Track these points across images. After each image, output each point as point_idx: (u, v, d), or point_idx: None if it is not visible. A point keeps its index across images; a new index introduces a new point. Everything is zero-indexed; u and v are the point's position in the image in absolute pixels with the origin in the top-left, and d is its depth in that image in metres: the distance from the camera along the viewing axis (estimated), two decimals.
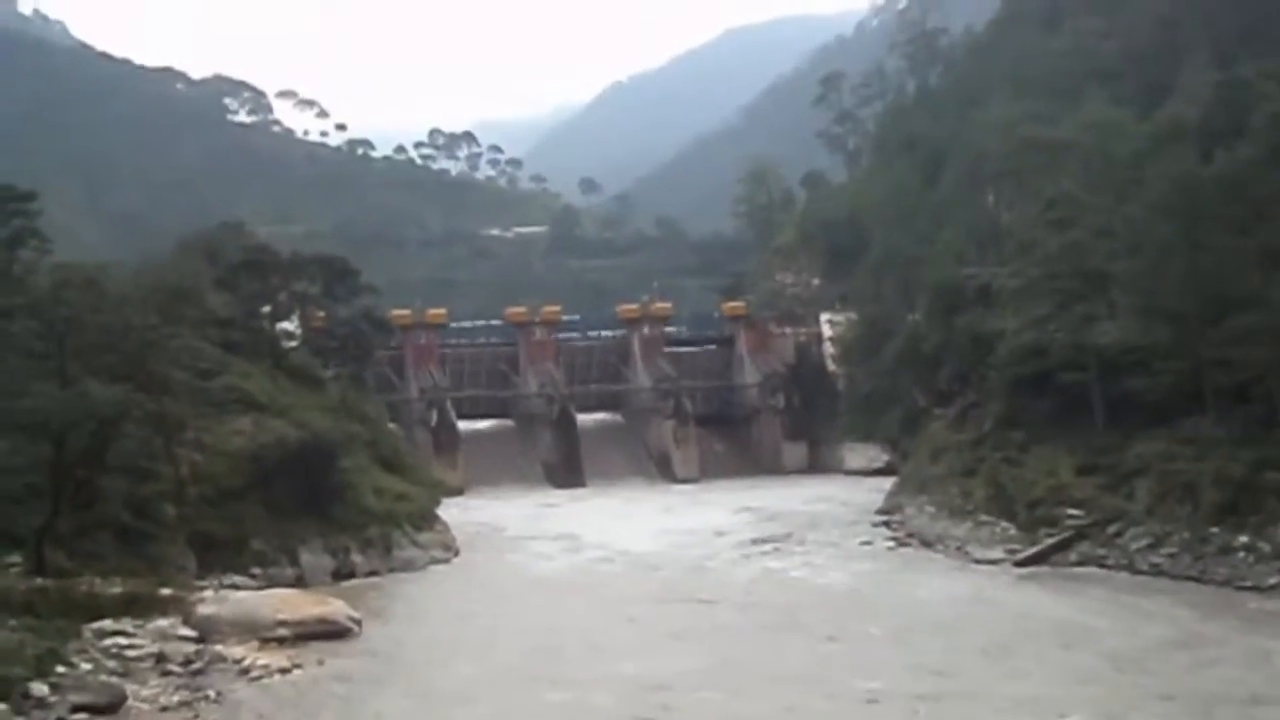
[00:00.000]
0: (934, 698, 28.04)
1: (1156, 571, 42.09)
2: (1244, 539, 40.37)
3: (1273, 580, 38.10)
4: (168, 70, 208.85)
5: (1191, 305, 46.21)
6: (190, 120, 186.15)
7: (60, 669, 29.36)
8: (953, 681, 29.58)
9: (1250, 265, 44.93)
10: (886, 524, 58.74)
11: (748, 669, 31.70)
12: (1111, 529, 45.46)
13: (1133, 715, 26.18)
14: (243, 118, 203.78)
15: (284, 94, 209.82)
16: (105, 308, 45.31)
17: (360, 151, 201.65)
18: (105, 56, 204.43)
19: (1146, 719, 26.03)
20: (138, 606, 35.95)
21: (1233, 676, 28.89)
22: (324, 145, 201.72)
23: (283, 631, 36.22)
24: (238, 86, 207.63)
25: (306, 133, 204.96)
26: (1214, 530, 41.56)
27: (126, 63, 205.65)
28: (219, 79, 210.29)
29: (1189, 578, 40.68)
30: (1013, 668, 30.97)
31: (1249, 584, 38.58)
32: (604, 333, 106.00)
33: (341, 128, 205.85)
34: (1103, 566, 44.14)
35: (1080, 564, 45.00)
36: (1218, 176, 46.44)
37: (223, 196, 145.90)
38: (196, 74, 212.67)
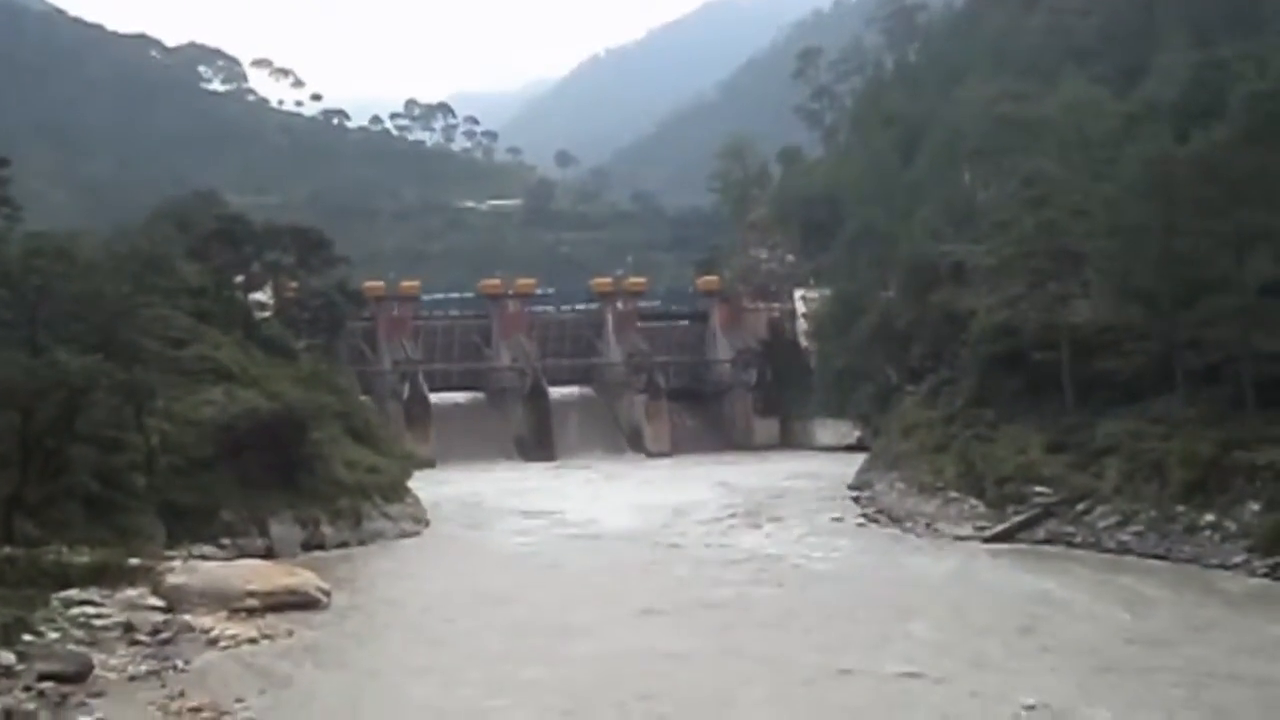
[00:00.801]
0: (895, 677, 28.17)
1: (1123, 549, 42.30)
2: (1210, 518, 40.58)
3: (1238, 559, 38.31)
4: (142, 37, 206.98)
5: (1164, 286, 46.47)
6: (164, 88, 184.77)
7: (27, 637, 29.29)
8: (916, 662, 29.68)
9: (1224, 247, 45.12)
10: (857, 500, 58.94)
11: (716, 646, 31.70)
12: (1080, 507, 45.65)
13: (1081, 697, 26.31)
14: (217, 86, 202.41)
15: (259, 63, 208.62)
16: (76, 276, 45.11)
17: (335, 122, 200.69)
18: (78, 22, 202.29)
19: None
20: (106, 576, 35.90)
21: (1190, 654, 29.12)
22: (299, 115, 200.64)
23: (252, 602, 36.16)
24: (212, 55, 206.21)
25: (281, 102, 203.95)
26: (1181, 509, 41.78)
27: (100, 28, 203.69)
28: (193, 46, 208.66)
29: (1156, 556, 40.90)
30: (974, 646, 31.11)
31: (1215, 562, 38.78)
32: (578, 306, 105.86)
33: (317, 98, 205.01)
34: (1070, 544, 44.33)
35: (1048, 541, 45.17)
36: (1194, 157, 46.61)
37: (196, 165, 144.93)
38: (171, 41, 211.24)
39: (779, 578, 41.89)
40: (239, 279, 66.77)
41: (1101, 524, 44.15)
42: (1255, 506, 39.53)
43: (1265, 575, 36.93)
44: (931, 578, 40.93)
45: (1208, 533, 40.28)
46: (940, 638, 31.81)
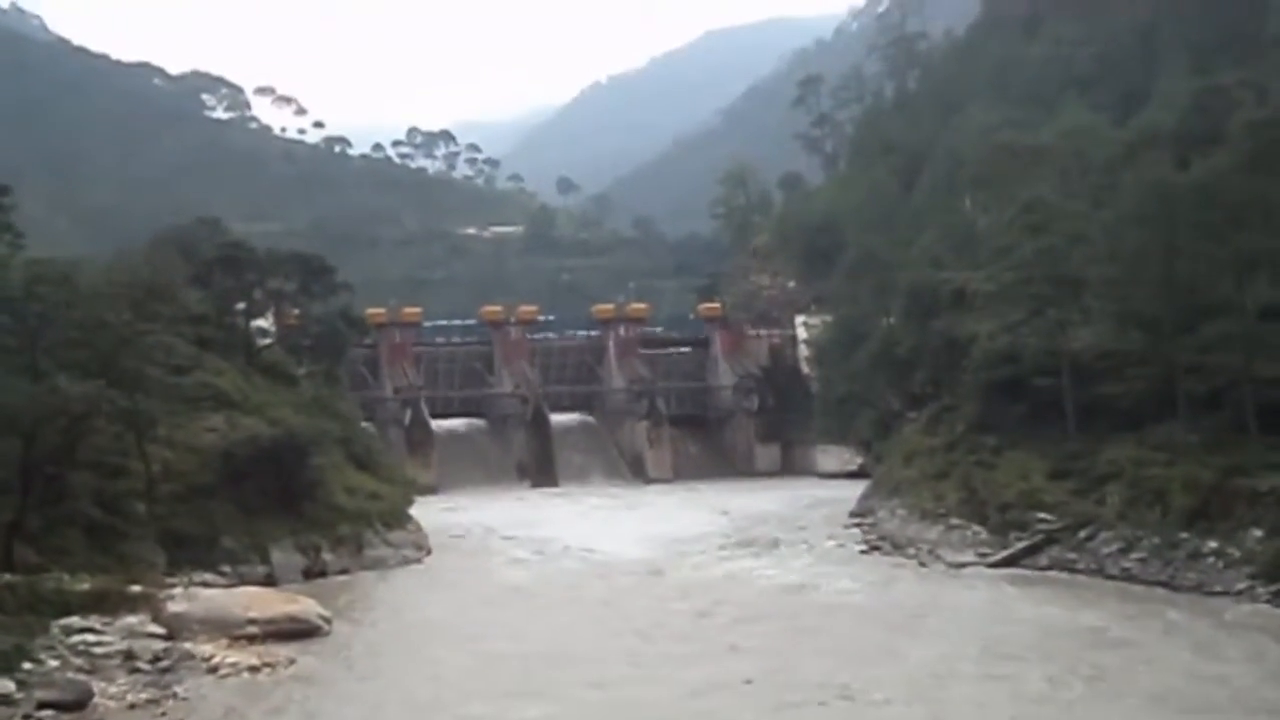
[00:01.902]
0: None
1: (1127, 576, 42.24)
2: (1214, 544, 40.50)
3: (1241, 586, 38.23)
4: (145, 65, 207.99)
5: (1165, 311, 46.50)
6: (167, 116, 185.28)
7: (27, 665, 29.25)
8: (919, 686, 29.60)
9: (1225, 272, 45.20)
10: (859, 527, 58.80)
11: (727, 676, 31.40)
12: (1082, 533, 45.58)
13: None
14: (220, 114, 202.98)
15: (262, 90, 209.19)
16: (78, 303, 45.05)
17: (338, 149, 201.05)
18: (82, 51, 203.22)
19: None
20: (106, 603, 35.75)
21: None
22: (301, 143, 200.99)
23: (252, 630, 36.08)
24: (215, 83, 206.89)
25: (284, 130, 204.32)
26: (1184, 536, 41.69)
27: (104, 58, 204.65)
28: (196, 75, 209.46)
29: (1159, 583, 40.83)
30: (981, 669, 31.02)
31: (1218, 589, 38.72)
32: (579, 333, 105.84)
33: (319, 125, 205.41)
34: (1073, 571, 44.27)
35: (1050, 568, 45.14)
36: (1194, 183, 46.71)
37: (199, 193, 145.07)
38: (174, 69, 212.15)
39: (778, 607, 41.71)
40: (241, 306, 66.67)
41: (1104, 550, 44.06)
42: (1258, 533, 39.47)
43: (1268, 601, 36.85)
44: (930, 604, 40.77)
45: (1211, 559, 40.21)
46: (940, 665, 31.70)
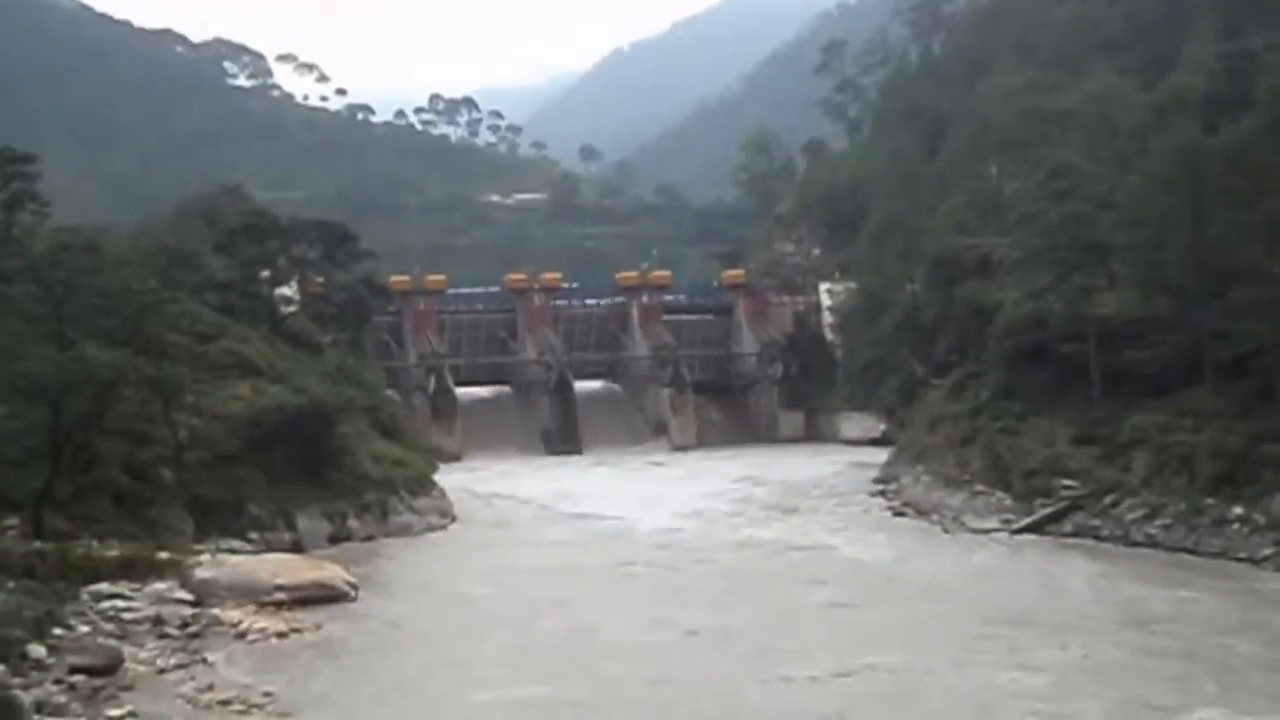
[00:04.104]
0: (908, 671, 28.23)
1: (1151, 543, 42.17)
2: (1239, 511, 40.37)
3: (1267, 552, 38.12)
4: (167, 32, 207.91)
5: (1192, 278, 46.20)
6: (189, 84, 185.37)
7: (58, 631, 29.44)
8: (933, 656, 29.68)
9: (1253, 238, 44.81)
10: (883, 493, 58.88)
11: (749, 643, 31.45)
12: (1107, 500, 45.47)
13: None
14: (242, 81, 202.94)
15: (284, 58, 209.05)
16: (103, 271, 45.32)
17: (360, 116, 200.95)
18: (105, 18, 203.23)
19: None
20: (135, 570, 36.12)
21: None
22: (324, 110, 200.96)
23: (280, 596, 36.32)
24: (237, 50, 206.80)
25: (306, 97, 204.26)
26: (1209, 502, 41.57)
27: (126, 24, 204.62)
28: (218, 42, 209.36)
29: (1183, 549, 40.74)
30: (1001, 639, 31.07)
31: (1243, 556, 38.61)
32: (603, 300, 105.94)
33: (341, 92, 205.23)
34: (1097, 538, 44.19)
35: (1075, 534, 45.09)
36: (1222, 148, 46.31)
37: (222, 161, 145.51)
38: (196, 37, 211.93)
39: (805, 571, 41.82)
40: (265, 274, 66.82)
41: (1129, 517, 43.96)
42: None
43: None
44: (955, 569, 40.81)
45: (1236, 526, 40.09)
46: (960, 632, 31.77)
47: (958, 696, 25.90)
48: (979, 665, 28.17)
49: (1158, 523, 42.74)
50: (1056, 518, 46.40)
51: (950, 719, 24.97)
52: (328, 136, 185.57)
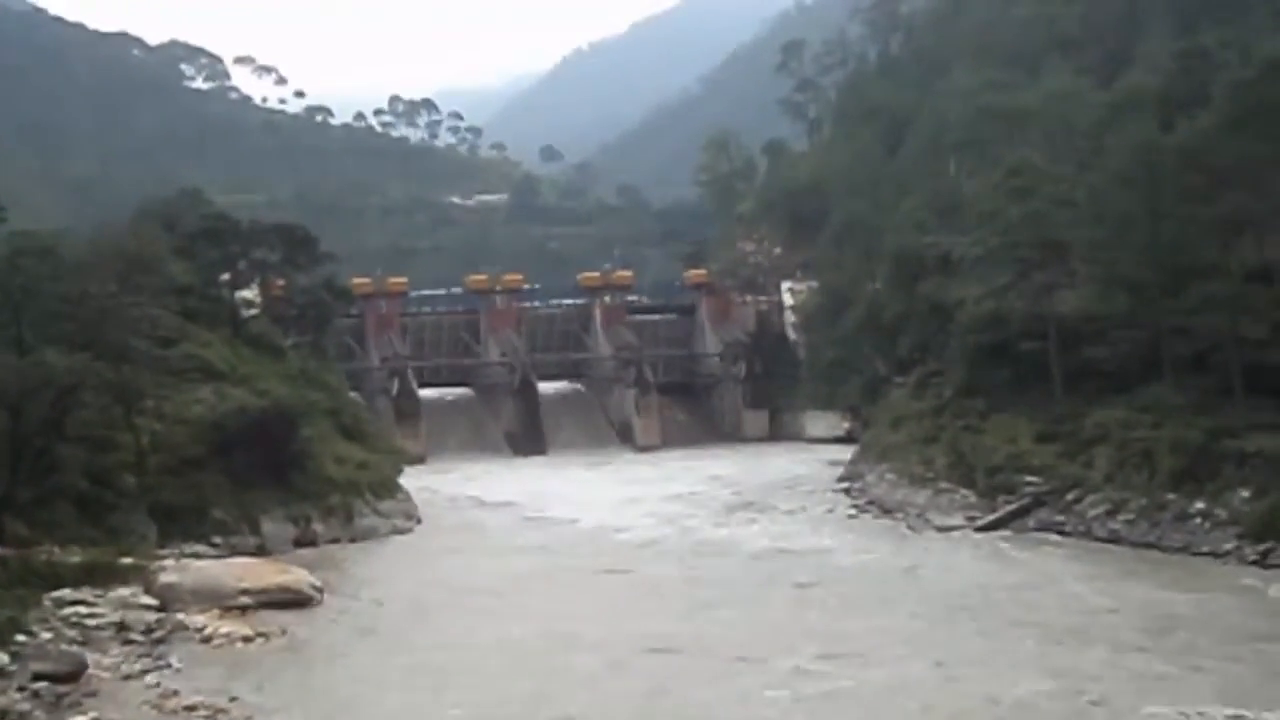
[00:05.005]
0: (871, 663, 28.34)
1: (1114, 538, 42.57)
2: (1200, 505, 40.79)
3: (1229, 546, 38.51)
4: (123, 35, 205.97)
5: (1151, 274, 46.65)
6: (146, 86, 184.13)
7: (20, 637, 29.19)
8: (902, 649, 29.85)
9: (1210, 234, 45.32)
10: (847, 491, 59.07)
11: (723, 639, 31.69)
12: (1070, 496, 45.91)
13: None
14: (199, 84, 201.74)
15: (241, 60, 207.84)
16: (62, 276, 45.00)
17: (319, 118, 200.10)
18: (58, 20, 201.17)
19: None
20: (98, 575, 35.81)
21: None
22: (282, 112, 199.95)
23: (245, 600, 36.15)
24: (194, 52, 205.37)
25: (264, 99, 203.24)
26: (1171, 497, 42.00)
27: (80, 27, 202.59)
28: (175, 44, 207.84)
29: (1146, 544, 41.15)
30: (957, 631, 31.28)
31: (1206, 550, 39.01)
32: (565, 301, 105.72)
33: (300, 94, 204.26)
34: (1061, 533, 44.61)
35: (1038, 530, 45.49)
36: (1178, 146, 46.78)
37: (180, 164, 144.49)
38: (152, 39, 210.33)
39: (766, 572, 41.96)
40: (225, 277, 66.39)
41: (1092, 513, 44.37)
42: (1245, 493, 39.79)
43: (1255, 562, 37.11)
44: (918, 566, 41.03)
45: (1198, 520, 40.52)
46: (925, 628, 31.94)
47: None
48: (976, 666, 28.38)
49: (1120, 518, 43.15)
50: (1020, 514, 46.74)
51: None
52: (287, 139, 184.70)
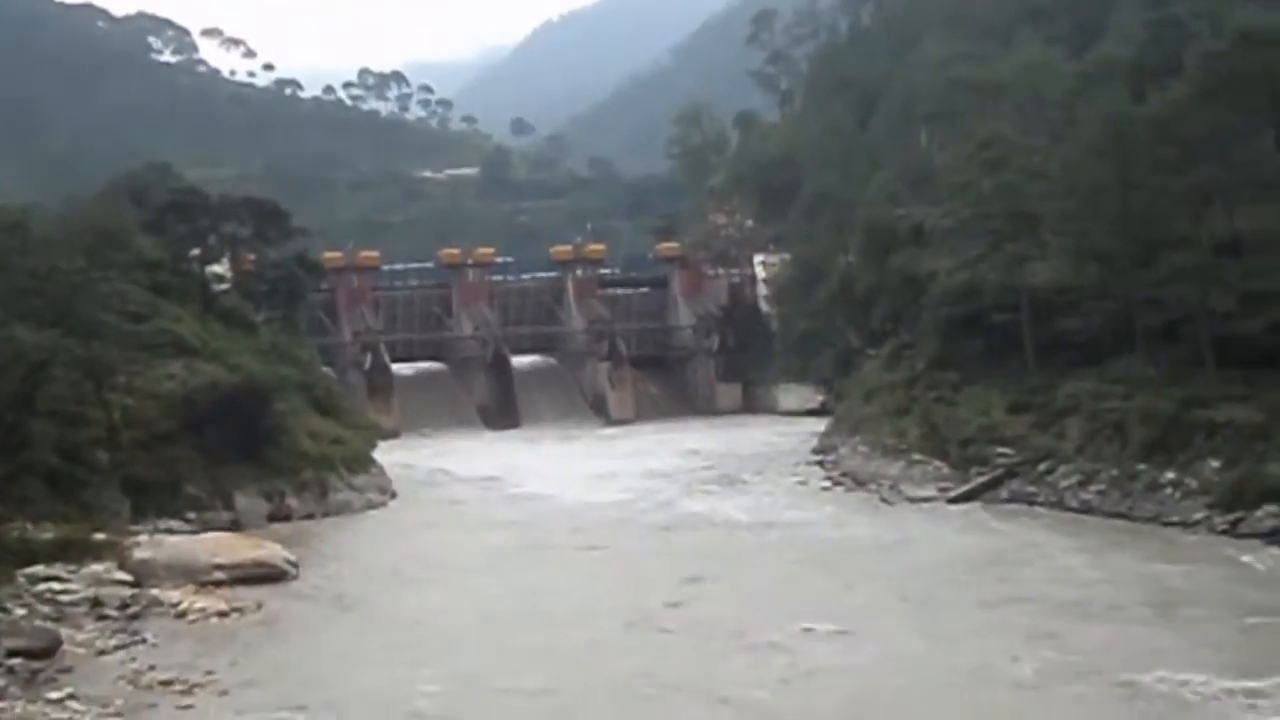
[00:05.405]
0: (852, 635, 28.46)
1: (1086, 508, 42.78)
2: (1171, 475, 41.00)
3: (1198, 516, 38.75)
4: (88, 7, 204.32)
5: (1122, 245, 46.77)
6: (113, 60, 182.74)
7: None
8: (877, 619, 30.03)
9: (1181, 205, 45.50)
10: (821, 464, 59.22)
11: (707, 613, 31.71)
12: (1042, 467, 46.09)
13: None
14: (167, 57, 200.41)
15: (209, 32, 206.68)
16: (31, 251, 44.62)
17: (289, 92, 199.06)
18: None
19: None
20: (71, 551, 35.62)
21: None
22: (251, 86, 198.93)
23: (219, 575, 36.13)
24: (161, 24, 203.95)
25: (233, 73, 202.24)
26: (1142, 467, 42.19)
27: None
28: (142, 16, 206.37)
29: (1117, 514, 41.35)
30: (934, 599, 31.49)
31: (1176, 520, 39.23)
32: (538, 274, 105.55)
33: (269, 68, 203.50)
34: (1032, 503, 44.81)
35: (1011, 501, 45.67)
36: (1150, 116, 46.83)
37: (148, 138, 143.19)
38: (119, 11, 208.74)
39: (739, 545, 42.17)
40: (195, 252, 66.08)
41: (1064, 483, 44.58)
42: (1215, 464, 39.97)
43: (1224, 532, 37.38)
44: (893, 538, 41.23)
45: (1168, 490, 40.71)
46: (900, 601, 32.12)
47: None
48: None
49: (1092, 488, 43.36)
50: (992, 485, 46.94)
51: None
52: (256, 113, 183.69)
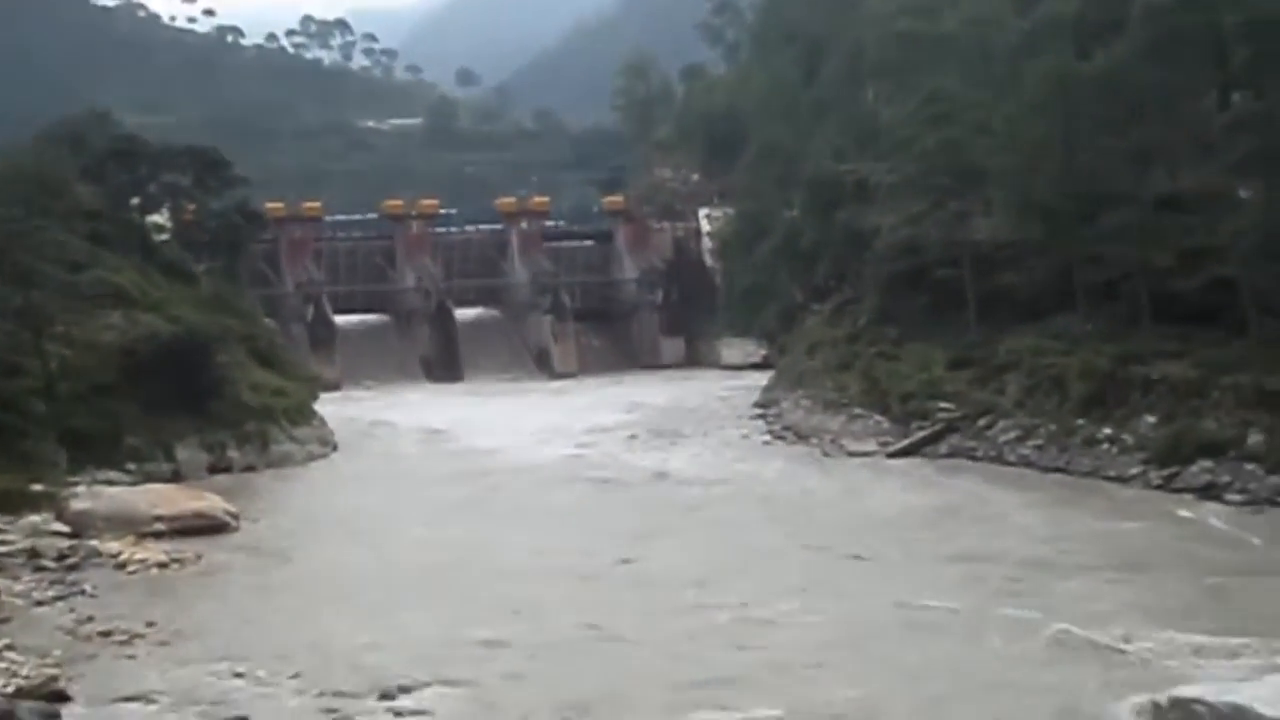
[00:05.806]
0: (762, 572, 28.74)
1: (1025, 463, 43.31)
2: (1108, 431, 41.55)
3: (1134, 471, 39.31)
4: None
5: (1064, 202, 47.04)
6: (49, 3, 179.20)
7: None
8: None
9: (1124, 163, 45.81)
10: (763, 418, 59.46)
11: (657, 567, 31.86)
12: (981, 422, 46.57)
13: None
14: (105, 1, 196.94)
15: None
16: None
17: (230, 39, 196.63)
18: None
19: None
20: (7, 503, 35.48)
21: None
22: (191, 31, 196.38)
23: (159, 526, 35.98)
24: None
25: (173, 18, 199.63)
26: (1080, 422, 42.72)
27: None
28: None
29: (1055, 469, 41.93)
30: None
31: (1112, 475, 39.80)
32: (482, 227, 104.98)
33: (210, 13, 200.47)
34: (972, 458, 45.28)
35: (950, 455, 46.11)
36: (1094, 74, 47.08)
37: (85, 84, 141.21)
38: None
39: (682, 496, 42.56)
40: (135, 201, 65.30)
41: (1003, 438, 45.08)
42: (1151, 419, 40.53)
43: (1159, 486, 37.95)
44: (831, 490, 41.58)
45: (1106, 445, 41.26)
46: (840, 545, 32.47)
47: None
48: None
49: (1030, 443, 43.89)
50: (933, 440, 47.39)
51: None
52: (196, 59, 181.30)
